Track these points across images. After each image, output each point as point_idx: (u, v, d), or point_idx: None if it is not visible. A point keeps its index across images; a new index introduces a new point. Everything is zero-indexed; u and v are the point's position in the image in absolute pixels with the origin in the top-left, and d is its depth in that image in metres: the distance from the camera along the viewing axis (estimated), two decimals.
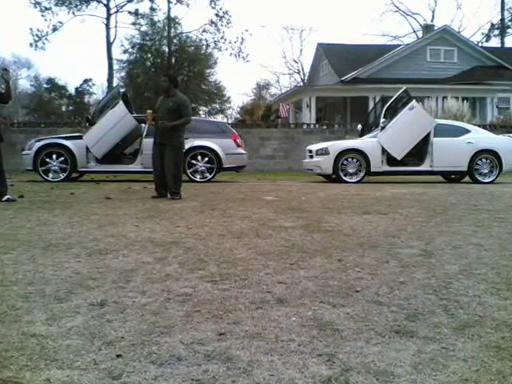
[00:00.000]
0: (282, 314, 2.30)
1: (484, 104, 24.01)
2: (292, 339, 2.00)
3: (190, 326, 2.15)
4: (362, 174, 11.06)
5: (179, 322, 2.20)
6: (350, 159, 11.04)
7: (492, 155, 11.23)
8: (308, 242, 3.94)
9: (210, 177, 11.00)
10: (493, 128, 16.67)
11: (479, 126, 14.94)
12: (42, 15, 28.59)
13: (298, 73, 43.89)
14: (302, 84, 37.93)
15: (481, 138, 11.51)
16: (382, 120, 11.17)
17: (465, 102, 18.27)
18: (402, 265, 3.24)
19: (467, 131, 11.57)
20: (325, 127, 18.51)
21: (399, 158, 11.10)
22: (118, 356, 1.84)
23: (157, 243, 3.89)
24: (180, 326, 2.14)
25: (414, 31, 39.17)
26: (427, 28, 28.86)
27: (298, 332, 2.08)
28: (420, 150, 11.33)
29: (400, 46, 30.17)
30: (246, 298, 2.54)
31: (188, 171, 10.72)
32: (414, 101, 11.31)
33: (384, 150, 11.07)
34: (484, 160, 11.26)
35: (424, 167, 11.30)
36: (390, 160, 11.18)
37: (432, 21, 37.41)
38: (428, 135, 11.16)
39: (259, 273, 3.02)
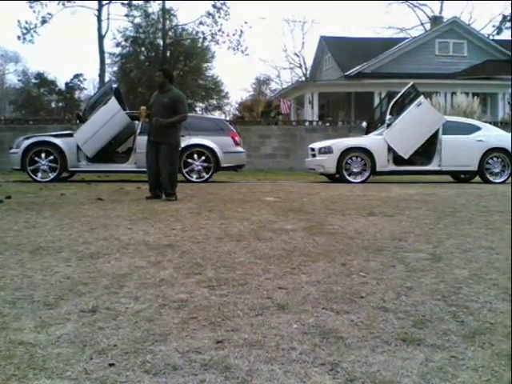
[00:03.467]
0: (282, 321, 2.30)
1: (495, 100, 24.04)
2: (293, 347, 2.00)
3: (185, 333, 2.15)
4: (367, 174, 11.05)
5: (175, 329, 2.20)
6: (354, 158, 11.03)
7: (504, 154, 11.22)
8: (310, 246, 3.94)
9: (207, 177, 10.99)
10: (504, 125, 16.68)
11: (490, 123, 14.96)
12: (31, 6, 28.56)
13: (300, 67, 43.96)
14: (303, 79, 37.94)
15: (492, 135, 11.51)
16: (388, 117, 11.17)
17: (475, 97, 18.28)
18: (408, 269, 3.24)
19: (478, 128, 11.57)
20: (328, 124, 18.51)
21: (406, 157, 11.10)
22: (111, 365, 1.84)
23: (151, 246, 3.89)
24: (175, 334, 2.14)
25: (422, 23, 39.15)
26: (435, 20, 28.91)
27: (299, 340, 2.08)
28: (428, 149, 11.32)
29: (407, 38, 30.21)
30: (244, 304, 2.54)
31: (184, 171, 10.70)
32: (422, 96, 11.30)
33: (390, 149, 11.07)
34: (495, 159, 11.25)
35: (432, 166, 11.29)
36: (397, 159, 11.18)
37: (440, 13, 37.39)
38: (436, 133, 11.16)
39: (259, 278, 3.02)
